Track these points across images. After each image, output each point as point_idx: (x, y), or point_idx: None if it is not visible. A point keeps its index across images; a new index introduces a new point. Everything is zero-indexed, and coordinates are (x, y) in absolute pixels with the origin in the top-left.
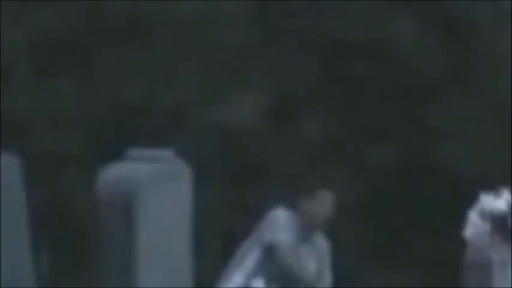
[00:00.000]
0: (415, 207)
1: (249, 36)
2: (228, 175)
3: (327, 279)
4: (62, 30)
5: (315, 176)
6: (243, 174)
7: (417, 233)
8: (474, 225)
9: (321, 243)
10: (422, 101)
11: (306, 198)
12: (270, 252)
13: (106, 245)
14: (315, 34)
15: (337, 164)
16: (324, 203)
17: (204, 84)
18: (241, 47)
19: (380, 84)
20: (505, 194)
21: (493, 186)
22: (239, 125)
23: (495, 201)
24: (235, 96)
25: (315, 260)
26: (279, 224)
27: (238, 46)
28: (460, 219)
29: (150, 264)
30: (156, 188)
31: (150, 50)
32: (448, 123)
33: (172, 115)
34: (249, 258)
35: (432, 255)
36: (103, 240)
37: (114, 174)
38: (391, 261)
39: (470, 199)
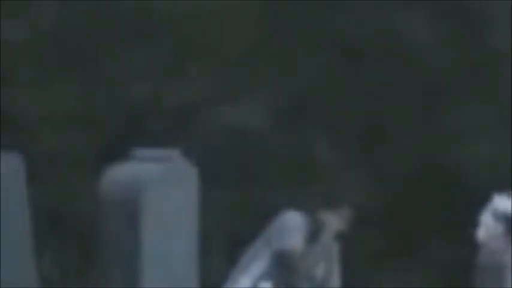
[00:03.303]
0: (428, 209)
1: (259, 34)
2: (235, 176)
3: (335, 280)
4: (65, 28)
5: (328, 181)
6: (251, 176)
7: (429, 235)
8: (487, 228)
9: (330, 244)
10: (436, 101)
11: (327, 212)
12: (279, 259)
13: (110, 246)
14: (326, 32)
15: (349, 166)
16: (343, 220)
17: (211, 84)
18: (251, 46)
19: (393, 83)
20: None
21: (506, 188)
22: (248, 125)
23: (509, 203)
24: (244, 96)
25: (323, 261)
26: (289, 228)
27: (248, 44)
28: (473, 221)
29: (154, 265)
30: (161, 188)
31: (156, 48)
32: (462, 123)
33: (179, 115)
34: (257, 262)
35: (444, 258)
36: (107, 241)
37: (119, 174)
38: (403, 264)
39: (484, 201)
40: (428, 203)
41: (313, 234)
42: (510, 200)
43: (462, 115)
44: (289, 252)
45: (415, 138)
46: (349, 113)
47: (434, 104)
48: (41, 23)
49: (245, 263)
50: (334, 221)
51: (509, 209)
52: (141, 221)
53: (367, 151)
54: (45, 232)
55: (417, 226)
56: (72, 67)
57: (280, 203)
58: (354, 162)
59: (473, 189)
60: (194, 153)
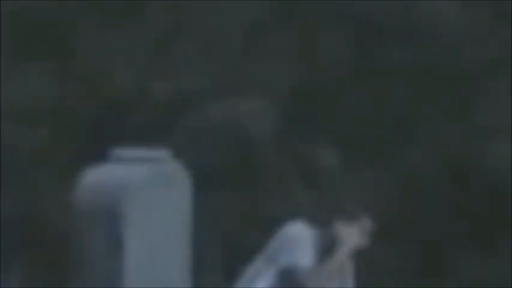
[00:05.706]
0: (458, 217)
1: (261, 15)
2: (232, 179)
3: None
4: (37, 6)
5: (337, 186)
6: (252, 179)
7: (460, 247)
8: None
9: (344, 260)
10: (467, 92)
11: (342, 223)
12: (286, 277)
13: (88, 261)
14: (341, 14)
15: (365, 166)
16: (361, 234)
17: (206, 73)
18: (252, 27)
19: (417, 72)
20: None
21: None
22: (248, 121)
23: None
24: (244, 87)
25: (336, 280)
26: (297, 242)
27: (248, 26)
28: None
29: (139, 283)
30: (147, 194)
31: (142, 30)
32: (498, 118)
33: (168, 109)
34: (260, 281)
35: (478, 272)
36: (84, 255)
37: (98, 177)
38: (427, 284)
39: None
40: (456, 211)
41: (325, 250)
42: None
43: (495, 110)
44: (297, 269)
45: (441, 136)
46: (360, 109)
47: (462, 98)
48: (9, 6)
49: (247, 282)
50: (351, 235)
51: None
52: (125, 232)
53: (384, 152)
54: (12, 245)
55: (443, 238)
56: (46, 52)
57: (283, 208)
58: (366, 164)
59: (508, 195)
60: (186, 154)
